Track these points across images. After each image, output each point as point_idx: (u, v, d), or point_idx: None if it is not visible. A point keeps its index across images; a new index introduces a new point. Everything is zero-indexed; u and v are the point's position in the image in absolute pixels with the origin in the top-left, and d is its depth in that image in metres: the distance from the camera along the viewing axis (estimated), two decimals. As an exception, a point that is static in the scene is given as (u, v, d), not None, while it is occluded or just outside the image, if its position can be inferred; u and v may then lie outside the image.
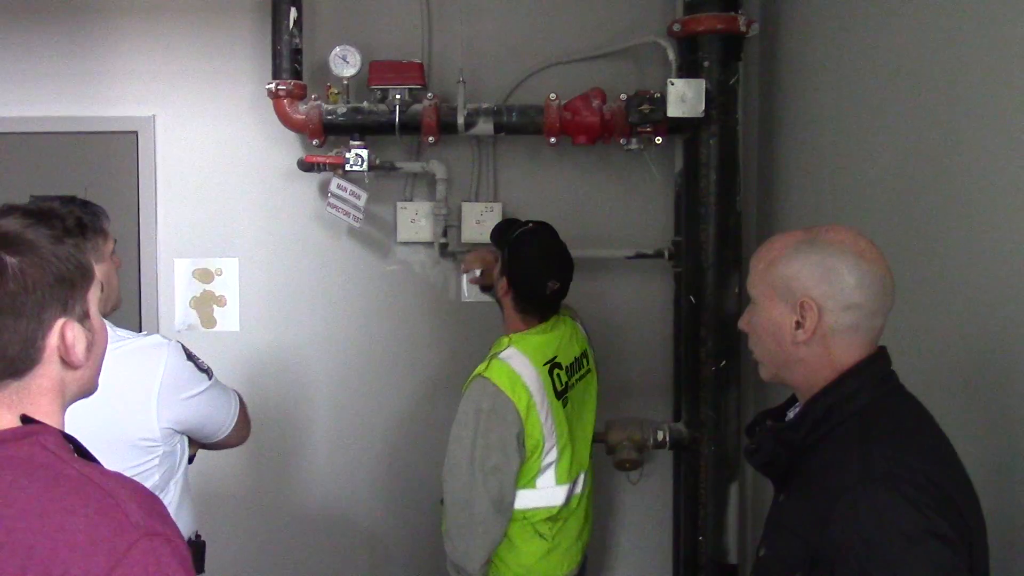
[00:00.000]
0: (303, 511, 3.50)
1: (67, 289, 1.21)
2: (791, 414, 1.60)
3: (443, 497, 2.44)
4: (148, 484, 2.02)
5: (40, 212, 1.22)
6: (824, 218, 2.75)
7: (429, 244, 3.41)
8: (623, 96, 3.11)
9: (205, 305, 3.43)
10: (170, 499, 2.14)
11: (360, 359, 3.48)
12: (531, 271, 2.51)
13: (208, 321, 3.44)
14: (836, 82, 2.70)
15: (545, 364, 2.50)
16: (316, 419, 3.49)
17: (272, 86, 3.14)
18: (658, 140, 3.14)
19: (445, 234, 3.33)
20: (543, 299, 2.53)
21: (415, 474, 3.50)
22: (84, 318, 1.24)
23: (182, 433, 2.15)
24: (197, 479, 2.41)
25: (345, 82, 3.16)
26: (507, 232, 2.57)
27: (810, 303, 1.48)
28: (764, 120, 3.31)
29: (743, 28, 3.04)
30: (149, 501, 1.18)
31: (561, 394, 2.54)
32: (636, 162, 3.37)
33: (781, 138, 3.15)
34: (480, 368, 2.45)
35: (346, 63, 3.14)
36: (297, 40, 3.15)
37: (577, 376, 2.65)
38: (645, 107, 3.02)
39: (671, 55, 3.13)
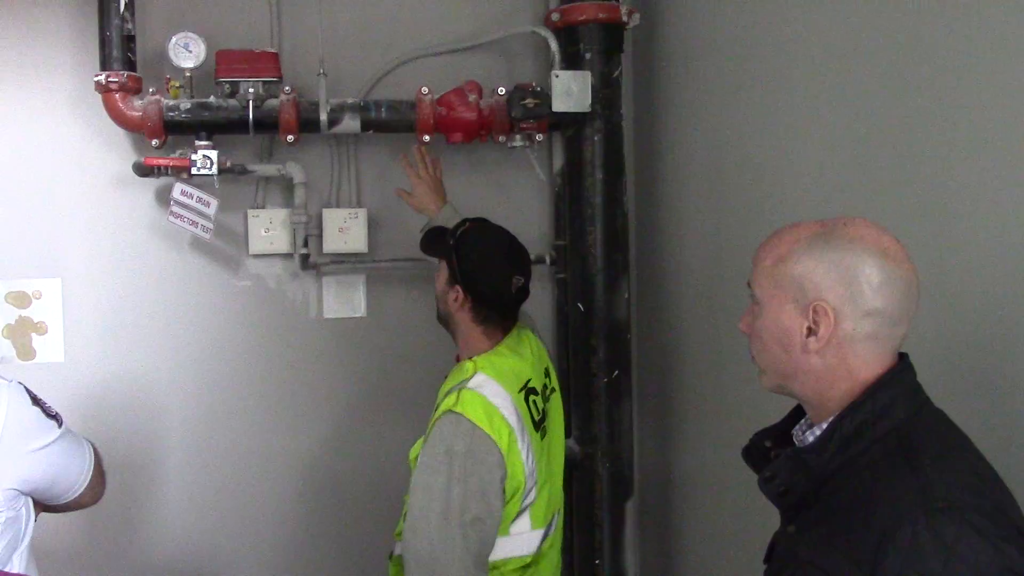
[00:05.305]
0: (157, 568, 3.06)
1: None
2: (808, 435, 1.39)
3: (403, 555, 2.04)
4: (-15, 559, 1.68)
5: None
6: (719, 215, 2.61)
7: (286, 256, 3.05)
8: (501, 90, 2.87)
9: (22, 333, 2.95)
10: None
11: (211, 388, 3.07)
12: (490, 269, 2.17)
13: (26, 352, 2.95)
14: (721, 73, 2.59)
15: (520, 391, 2.16)
16: (163, 459, 3.05)
17: (101, 78, 2.71)
18: (539, 137, 2.93)
19: (306, 244, 2.99)
20: (507, 301, 2.19)
21: (284, 514, 3.13)
22: None
23: (27, 494, 1.78)
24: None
25: (187, 74, 2.77)
26: (443, 237, 2.25)
27: (825, 308, 1.29)
28: (641, 115, 3.15)
29: (625, 18, 2.87)
30: None
31: (539, 424, 2.20)
32: (510, 162, 3.13)
33: (662, 134, 3.00)
34: (447, 403, 2.06)
35: (188, 52, 2.75)
36: (130, 26, 2.73)
37: (547, 400, 2.31)
38: (529, 101, 2.78)
39: (553, 46, 2.91)
